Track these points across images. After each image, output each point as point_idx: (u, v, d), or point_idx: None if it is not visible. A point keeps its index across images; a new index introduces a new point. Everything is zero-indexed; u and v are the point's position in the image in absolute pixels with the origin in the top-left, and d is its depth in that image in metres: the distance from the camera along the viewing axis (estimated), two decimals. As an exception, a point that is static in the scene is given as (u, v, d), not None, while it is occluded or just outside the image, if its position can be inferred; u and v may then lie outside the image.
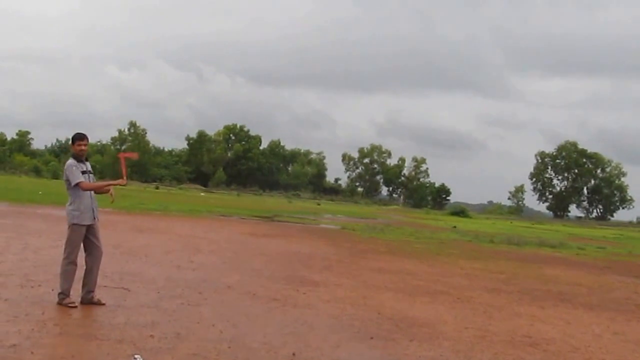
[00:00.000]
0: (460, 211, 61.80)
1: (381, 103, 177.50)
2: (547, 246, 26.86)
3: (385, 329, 7.49)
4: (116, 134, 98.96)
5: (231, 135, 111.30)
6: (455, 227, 36.92)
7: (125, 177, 7.35)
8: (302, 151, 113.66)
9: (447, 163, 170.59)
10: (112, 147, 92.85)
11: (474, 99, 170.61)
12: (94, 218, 7.19)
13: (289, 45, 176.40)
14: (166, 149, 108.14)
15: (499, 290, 11.86)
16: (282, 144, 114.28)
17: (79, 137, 7.14)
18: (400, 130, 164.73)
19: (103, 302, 7.19)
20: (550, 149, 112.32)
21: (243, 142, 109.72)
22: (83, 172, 7.07)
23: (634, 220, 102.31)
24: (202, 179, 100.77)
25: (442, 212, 67.90)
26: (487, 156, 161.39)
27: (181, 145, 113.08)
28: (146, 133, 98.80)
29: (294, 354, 5.93)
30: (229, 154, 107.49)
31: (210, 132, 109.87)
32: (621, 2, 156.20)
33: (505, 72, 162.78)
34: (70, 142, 7.41)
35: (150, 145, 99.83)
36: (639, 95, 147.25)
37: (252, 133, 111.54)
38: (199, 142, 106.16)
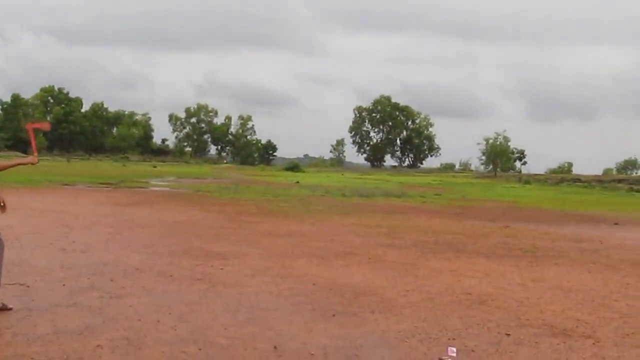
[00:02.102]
0: (295, 166, 62.48)
1: (198, 62, 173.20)
2: (393, 196, 27.65)
3: (337, 302, 6.85)
4: None
5: (49, 98, 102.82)
6: (298, 182, 36.93)
7: (36, 153, 5.87)
8: (126, 113, 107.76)
9: (268, 120, 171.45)
10: None
11: (287, 57, 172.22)
12: None
13: (98, 1, 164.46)
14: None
15: (395, 246, 11.67)
16: (105, 105, 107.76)
17: None
18: (218, 89, 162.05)
19: (10, 306, 5.72)
20: (360, 103, 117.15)
21: (63, 105, 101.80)
22: None
23: (439, 166, 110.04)
24: (21, 145, 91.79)
25: (277, 168, 68.15)
26: (303, 112, 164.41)
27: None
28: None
29: (275, 347, 5.07)
30: (49, 118, 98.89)
31: (25, 95, 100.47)
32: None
33: (314, 30, 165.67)
34: None
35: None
36: (436, 52, 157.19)
37: (72, 95, 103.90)
38: (13, 107, 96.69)
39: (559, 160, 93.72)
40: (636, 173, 79.72)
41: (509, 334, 5.84)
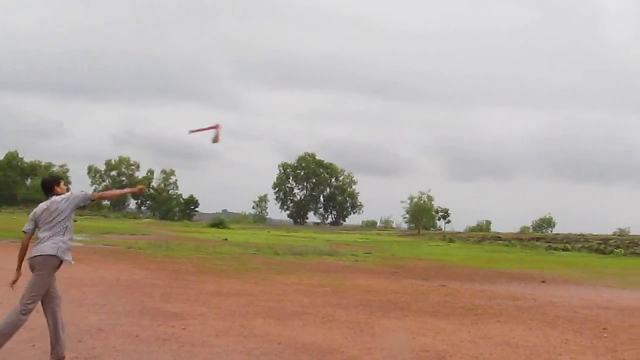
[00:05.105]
0: (220, 222, 62.00)
1: (117, 113, 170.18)
2: (325, 255, 27.93)
3: (307, 361, 7.02)
4: None
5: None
6: (226, 239, 36.74)
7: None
8: (43, 164, 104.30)
9: (187, 174, 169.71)
10: None
11: (207, 111, 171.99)
12: None
13: (15, 48, 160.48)
14: None
15: (344, 306, 11.92)
16: (20, 155, 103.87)
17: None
18: (137, 141, 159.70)
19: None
20: (282, 158, 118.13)
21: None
22: None
23: (360, 224, 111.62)
24: None
25: (201, 224, 67.36)
26: (222, 167, 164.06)
27: None
28: None
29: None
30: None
31: None
32: (337, 24, 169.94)
33: (235, 85, 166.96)
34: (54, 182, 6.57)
35: None
36: (358, 109, 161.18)
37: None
38: None
39: (478, 218, 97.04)
40: (551, 231, 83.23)
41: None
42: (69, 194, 6.45)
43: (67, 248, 6.30)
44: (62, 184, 6.54)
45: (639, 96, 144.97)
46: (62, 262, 6.24)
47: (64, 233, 6.26)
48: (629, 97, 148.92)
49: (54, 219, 6.24)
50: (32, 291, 6.06)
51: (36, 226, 6.29)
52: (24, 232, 6.31)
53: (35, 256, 6.13)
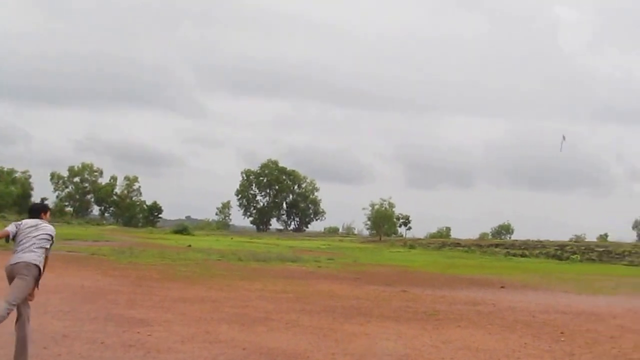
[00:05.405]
0: (184, 229, 61.48)
1: (79, 119, 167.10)
2: (288, 261, 28.04)
3: (272, 366, 7.14)
4: None
5: None
6: (190, 245, 36.51)
7: None
8: (5, 169, 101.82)
9: (150, 181, 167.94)
10: None
11: (171, 117, 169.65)
12: None
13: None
14: None
15: (307, 311, 12.06)
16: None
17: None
18: (100, 147, 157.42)
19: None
20: (245, 165, 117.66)
21: None
22: None
23: (322, 230, 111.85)
24: None
25: (165, 231, 66.64)
26: (186, 173, 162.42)
27: None
28: None
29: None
30: None
31: None
32: (298, 32, 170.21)
33: (198, 91, 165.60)
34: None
35: None
36: (319, 117, 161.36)
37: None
38: None
39: (438, 224, 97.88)
40: (510, 237, 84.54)
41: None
42: (54, 231, 6.87)
43: (42, 263, 6.61)
44: (48, 214, 7.01)
45: (594, 104, 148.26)
46: (40, 274, 6.55)
47: (41, 253, 6.57)
48: (585, 105, 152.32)
49: (38, 236, 6.58)
50: (16, 292, 6.33)
51: (14, 236, 6.55)
52: (6, 229, 6.57)
53: (18, 262, 6.41)
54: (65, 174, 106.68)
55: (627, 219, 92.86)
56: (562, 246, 50.30)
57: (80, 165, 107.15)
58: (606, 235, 73.32)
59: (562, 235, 67.09)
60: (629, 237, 76.60)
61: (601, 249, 47.20)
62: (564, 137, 61.31)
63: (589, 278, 25.89)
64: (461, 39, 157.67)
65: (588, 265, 38.66)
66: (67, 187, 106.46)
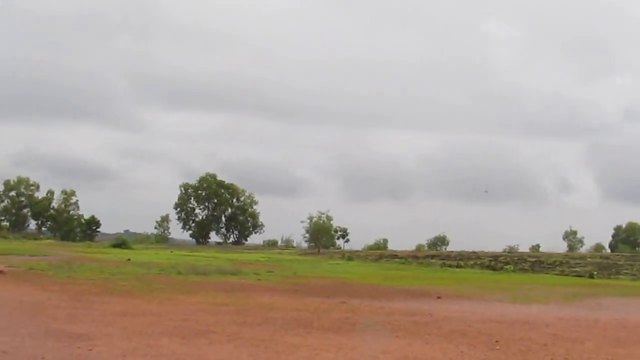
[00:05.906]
0: (122, 242, 60.28)
1: (14, 132, 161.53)
2: (228, 274, 27.92)
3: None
4: None
5: None
6: (129, 259, 35.88)
7: None
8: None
9: (87, 195, 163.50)
10: None
11: (107, 131, 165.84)
12: None
13: None
14: None
15: (248, 324, 12.14)
16: None
17: None
18: (35, 161, 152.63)
19: None
20: (183, 179, 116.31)
21: None
22: None
23: (261, 243, 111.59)
24: None
25: (103, 245, 65.22)
26: (123, 187, 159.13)
27: None
28: None
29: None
30: None
31: None
32: (233, 45, 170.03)
33: (134, 105, 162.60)
34: None
35: None
36: (256, 131, 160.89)
37: None
38: None
39: (375, 237, 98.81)
40: (445, 249, 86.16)
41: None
42: None
43: None
44: None
45: (525, 118, 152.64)
46: None
47: None
48: (515, 119, 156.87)
49: None
50: None
51: None
52: None
53: None
54: (0, 188, 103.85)
55: (558, 230, 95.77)
56: (496, 257, 51.73)
57: (15, 180, 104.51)
58: (538, 246, 75.84)
59: (496, 246, 68.60)
60: (560, 247, 79.40)
61: (533, 259, 48.81)
62: (486, 191, 68.66)
63: (522, 287, 26.75)
64: (395, 54, 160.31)
65: (521, 275, 39.81)
66: (2, 202, 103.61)
